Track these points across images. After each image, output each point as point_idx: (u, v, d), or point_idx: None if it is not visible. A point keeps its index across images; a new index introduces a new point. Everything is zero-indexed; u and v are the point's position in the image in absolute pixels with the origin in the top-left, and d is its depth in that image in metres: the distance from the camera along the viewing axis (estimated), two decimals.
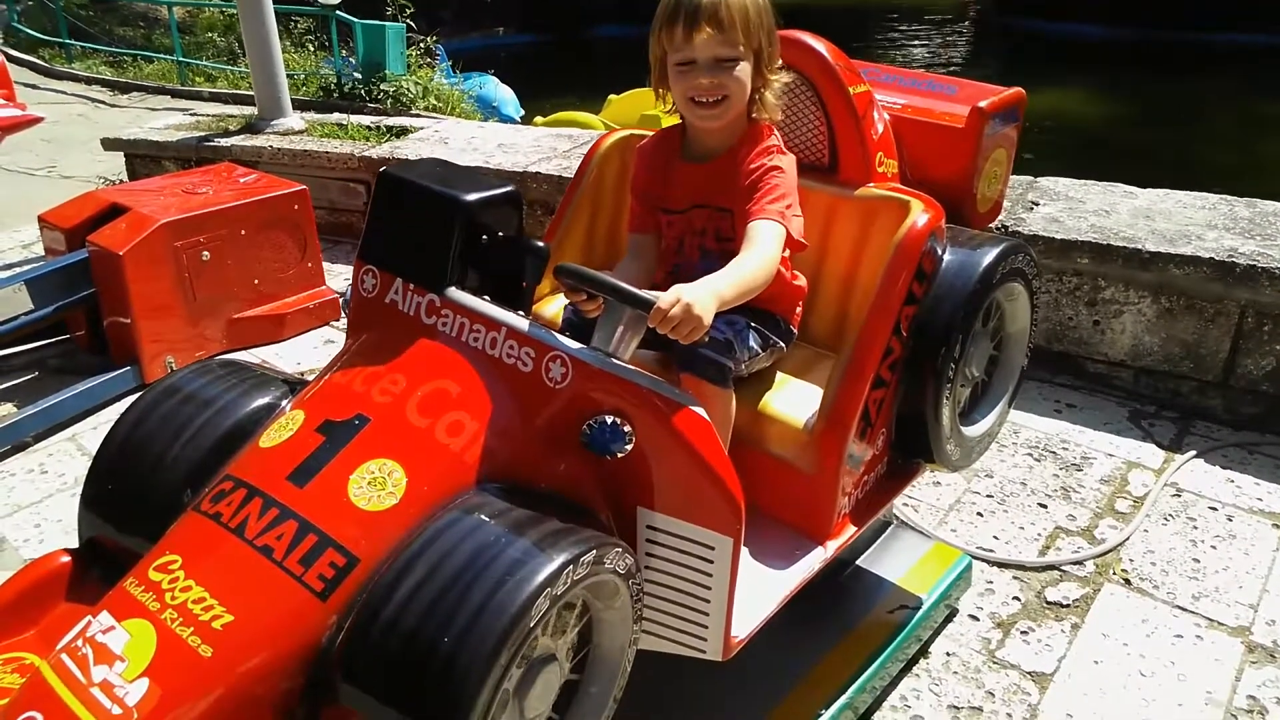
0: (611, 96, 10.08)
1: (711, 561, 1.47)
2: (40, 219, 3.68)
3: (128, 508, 1.60)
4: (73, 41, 11.60)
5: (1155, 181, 3.63)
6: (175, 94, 9.44)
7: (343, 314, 1.99)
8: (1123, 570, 2.39)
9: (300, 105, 6.52)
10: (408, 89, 7.71)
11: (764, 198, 1.68)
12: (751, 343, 1.75)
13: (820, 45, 1.88)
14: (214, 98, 8.92)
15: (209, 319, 3.61)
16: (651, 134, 1.94)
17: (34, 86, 10.03)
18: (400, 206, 1.64)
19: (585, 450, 1.46)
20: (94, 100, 9.56)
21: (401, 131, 5.10)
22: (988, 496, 2.70)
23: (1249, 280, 2.84)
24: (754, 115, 1.77)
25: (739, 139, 1.76)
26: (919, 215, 1.77)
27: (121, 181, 5.52)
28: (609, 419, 1.44)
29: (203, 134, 5.17)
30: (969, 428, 1.97)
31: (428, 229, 1.60)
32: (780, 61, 1.77)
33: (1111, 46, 16.33)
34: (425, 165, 1.73)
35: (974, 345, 1.89)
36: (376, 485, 1.38)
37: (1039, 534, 2.53)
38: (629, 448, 1.44)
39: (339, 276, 4.38)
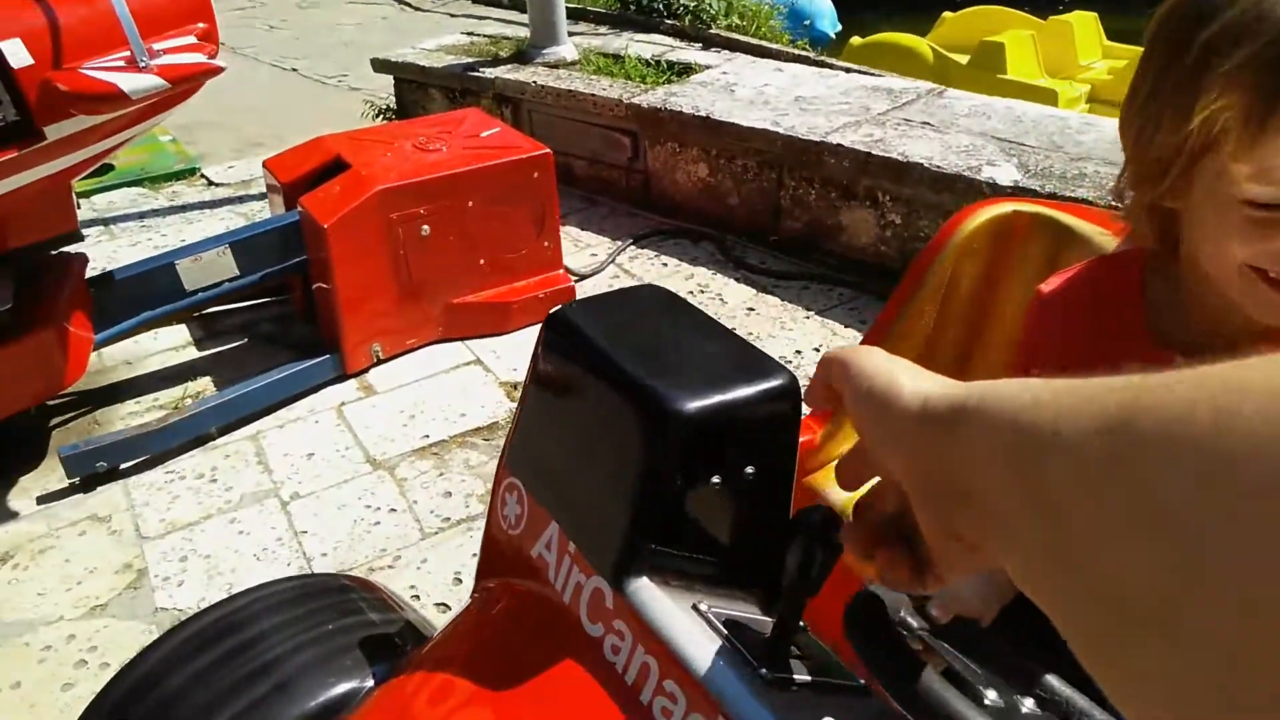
0: (945, 14, 8.60)
1: None
2: (264, 165, 3.28)
3: None
4: None
5: None
6: None
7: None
8: None
9: (595, 18, 5.92)
10: (709, 4, 6.84)
11: None
12: None
13: None
14: (514, 4, 8.52)
15: (423, 304, 3.07)
16: (1073, 273, 0.97)
17: None
18: (573, 390, 0.89)
19: None
20: (401, 3, 9.51)
21: (684, 70, 4.28)
22: None
23: None
24: None
25: None
26: None
27: (390, 107, 5.17)
28: None
29: (470, 60, 4.63)
30: None
31: (609, 450, 0.83)
32: None
33: None
34: (644, 309, 0.93)
35: None
36: None
37: None
38: None
39: (586, 249, 3.72)
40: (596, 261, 3.59)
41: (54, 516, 2.48)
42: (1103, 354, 0.91)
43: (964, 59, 7.48)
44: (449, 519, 2.41)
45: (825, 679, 0.76)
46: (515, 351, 3.08)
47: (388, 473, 2.58)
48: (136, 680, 1.01)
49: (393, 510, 2.44)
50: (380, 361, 3.05)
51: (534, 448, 0.93)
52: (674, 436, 0.77)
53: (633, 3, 7.37)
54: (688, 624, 0.76)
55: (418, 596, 2.18)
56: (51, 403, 2.85)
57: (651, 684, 0.75)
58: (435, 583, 2.22)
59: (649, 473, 0.78)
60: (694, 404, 0.77)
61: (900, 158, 3.18)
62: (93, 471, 2.57)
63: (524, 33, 4.89)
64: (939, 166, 3.09)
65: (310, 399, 2.91)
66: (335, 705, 0.96)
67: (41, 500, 2.54)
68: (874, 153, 3.24)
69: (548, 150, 3.13)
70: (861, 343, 1.43)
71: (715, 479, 0.79)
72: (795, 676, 0.74)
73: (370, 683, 0.98)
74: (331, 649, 1.02)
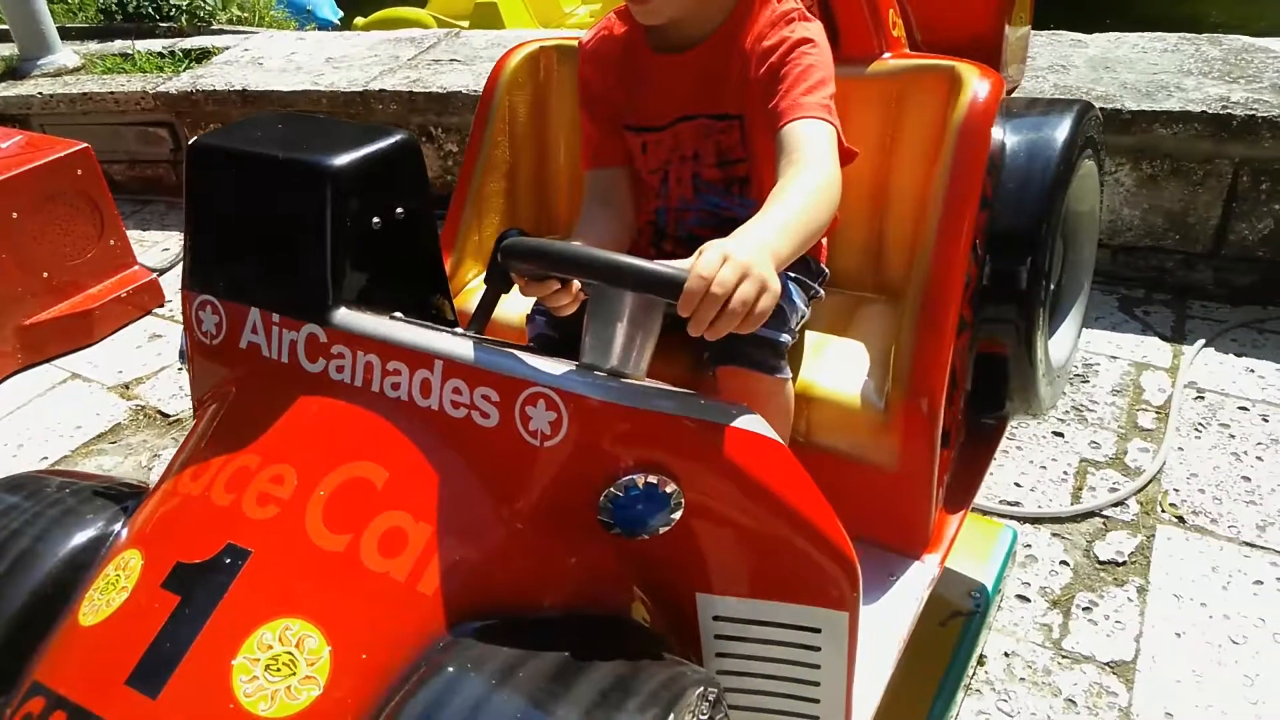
0: None
1: (819, 649, 1.00)
2: None
3: None
4: None
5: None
6: None
7: (180, 366, 1.37)
8: (1171, 505, 2.04)
9: (79, 33, 5.43)
10: (205, 1, 6.58)
11: (796, 87, 1.14)
12: (796, 299, 1.26)
13: None
14: None
15: None
16: (596, 27, 1.36)
17: None
18: (233, 196, 1.05)
19: (607, 533, 0.94)
20: None
21: (203, 55, 4.20)
22: None
23: (1247, 133, 2.45)
24: None
25: (734, 7, 1.22)
26: (977, 86, 1.30)
27: None
28: (641, 480, 0.91)
29: None
30: (1055, 354, 1.56)
31: (284, 224, 1.01)
32: None
33: None
34: (259, 124, 1.12)
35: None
36: (282, 671, 0.83)
37: (1065, 472, 2.15)
38: (677, 517, 0.92)
39: (153, 248, 3.58)
40: (172, 254, 3.49)
41: None
42: (625, 68, 1.30)
43: (465, 23, 7.96)
44: None
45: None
46: (115, 355, 2.94)
47: None
48: None
49: None
50: None
51: (213, 259, 1.08)
52: (335, 186, 0.98)
53: (117, 11, 6.86)
54: (392, 324, 1.00)
55: None
56: None
57: (378, 374, 0.98)
58: None
59: (321, 222, 0.98)
60: (341, 159, 0.99)
61: (441, 90, 3.47)
62: None
63: (10, 49, 4.43)
64: (476, 90, 3.43)
65: None
66: (84, 550, 1.04)
67: None
68: (416, 90, 3.50)
69: (85, 144, 2.99)
70: (449, 210, 1.71)
71: (376, 220, 1.02)
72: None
73: (119, 525, 1.07)
74: (61, 510, 1.08)
